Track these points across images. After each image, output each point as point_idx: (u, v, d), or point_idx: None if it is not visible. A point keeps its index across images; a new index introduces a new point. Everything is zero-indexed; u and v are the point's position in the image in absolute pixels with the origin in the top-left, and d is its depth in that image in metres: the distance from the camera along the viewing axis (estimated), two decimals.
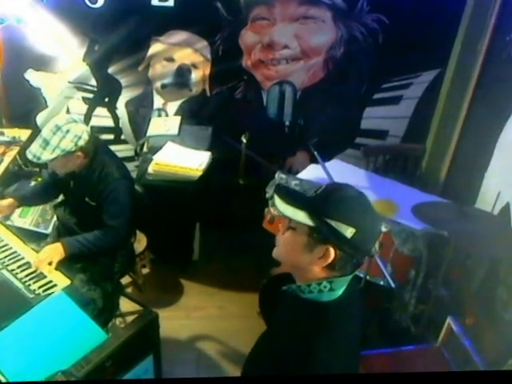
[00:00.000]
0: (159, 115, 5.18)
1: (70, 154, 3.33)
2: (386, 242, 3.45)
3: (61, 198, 3.95)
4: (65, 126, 3.29)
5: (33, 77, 4.92)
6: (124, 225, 3.56)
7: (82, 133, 3.33)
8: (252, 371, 2.01)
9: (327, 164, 4.10)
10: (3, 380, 2.39)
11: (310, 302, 1.84)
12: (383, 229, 3.50)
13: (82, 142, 3.33)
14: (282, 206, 1.85)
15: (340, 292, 1.84)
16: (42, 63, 4.87)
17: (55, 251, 3.37)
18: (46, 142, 3.24)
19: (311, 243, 1.81)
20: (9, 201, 3.68)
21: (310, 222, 1.79)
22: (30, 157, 3.27)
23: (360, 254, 1.82)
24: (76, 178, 3.56)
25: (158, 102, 5.19)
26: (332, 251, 1.77)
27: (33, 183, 4.59)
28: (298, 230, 1.84)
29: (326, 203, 1.80)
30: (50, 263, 3.28)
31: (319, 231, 1.78)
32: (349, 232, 1.75)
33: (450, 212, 3.40)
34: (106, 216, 3.50)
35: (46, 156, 3.25)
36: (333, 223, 1.75)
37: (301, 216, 1.80)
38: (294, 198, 1.87)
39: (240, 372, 2.10)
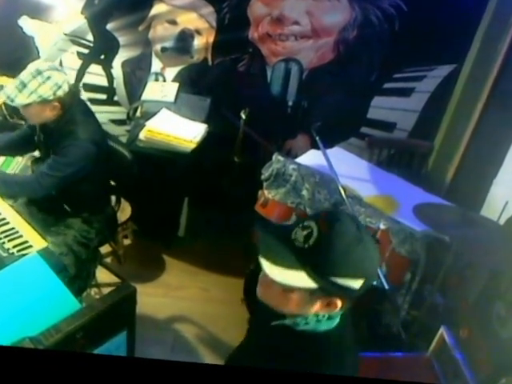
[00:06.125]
0: (156, 80, 5.15)
1: (46, 103, 3.28)
2: (383, 241, 3.42)
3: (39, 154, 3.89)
4: (46, 71, 3.24)
5: (27, 24, 4.86)
6: (49, 180, 3.40)
7: (62, 82, 3.29)
8: None
9: (328, 151, 4.05)
10: None
11: (306, 334, 1.75)
12: (381, 226, 3.47)
13: (60, 92, 3.28)
14: (273, 272, 1.63)
15: (338, 318, 1.77)
16: (37, 11, 4.82)
17: None
18: (23, 85, 3.18)
19: (312, 298, 1.68)
20: None
21: (311, 285, 1.62)
22: (3, 97, 3.23)
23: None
24: (46, 132, 3.52)
25: (156, 65, 5.15)
26: (339, 302, 1.67)
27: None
28: (295, 291, 1.67)
29: (326, 259, 1.61)
30: None
31: (323, 290, 1.64)
32: (357, 284, 1.63)
33: (453, 216, 3.37)
34: (46, 162, 3.44)
35: (21, 99, 3.20)
36: (340, 281, 1.61)
37: (300, 280, 1.62)
38: (285, 256, 1.63)
39: (216, 358, 2.04)
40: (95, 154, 3.46)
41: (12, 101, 3.20)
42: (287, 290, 1.67)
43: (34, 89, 3.19)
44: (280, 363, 1.73)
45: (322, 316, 1.72)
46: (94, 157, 3.46)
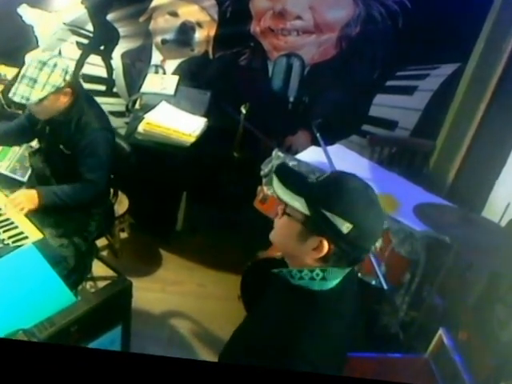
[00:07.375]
0: (156, 72, 5.14)
1: (59, 91, 3.28)
2: (383, 240, 3.43)
3: (37, 146, 3.87)
4: (50, 60, 3.24)
5: (26, 13, 4.84)
6: (104, 178, 3.52)
7: (67, 67, 3.30)
8: (229, 361, 1.97)
9: (329, 148, 4.05)
10: None
11: (300, 289, 1.82)
12: None
13: (68, 77, 3.29)
14: (279, 189, 1.83)
15: (333, 283, 1.82)
16: None
17: (29, 198, 3.32)
18: (34, 81, 3.17)
19: (305, 233, 1.78)
20: None
21: (305, 211, 1.77)
22: (17, 99, 3.19)
23: (357, 252, 1.79)
24: (53, 123, 3.49)
25: (156, 57, 5.13)
26: (326, 244, 1.74)
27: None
28: (293, 216, 1.80)
29: (325, 193, 1.77)
30: (21, 209, 3.21)
31: (313, 222, 1.76)
32: (345, 227, 1.71)
33: (454, 217, 3.36)
34: (84, 169, 3.43)
35: (36, 95, 3.18)
36: (329, 215, 1.72)
37: (297, 203, 1.78)
38: (293, 182, 1.84)
39: (212, 356, 2.07)
40: (113, 137, 3.56)
41: (28, 99, 3.18)
42: (288, 213, 1.81)
43: (46, 80, 3.18)
44: (272, 320, 1.86)
45: (316, 275, 1.79)
46: (112, 140, 3.55)
